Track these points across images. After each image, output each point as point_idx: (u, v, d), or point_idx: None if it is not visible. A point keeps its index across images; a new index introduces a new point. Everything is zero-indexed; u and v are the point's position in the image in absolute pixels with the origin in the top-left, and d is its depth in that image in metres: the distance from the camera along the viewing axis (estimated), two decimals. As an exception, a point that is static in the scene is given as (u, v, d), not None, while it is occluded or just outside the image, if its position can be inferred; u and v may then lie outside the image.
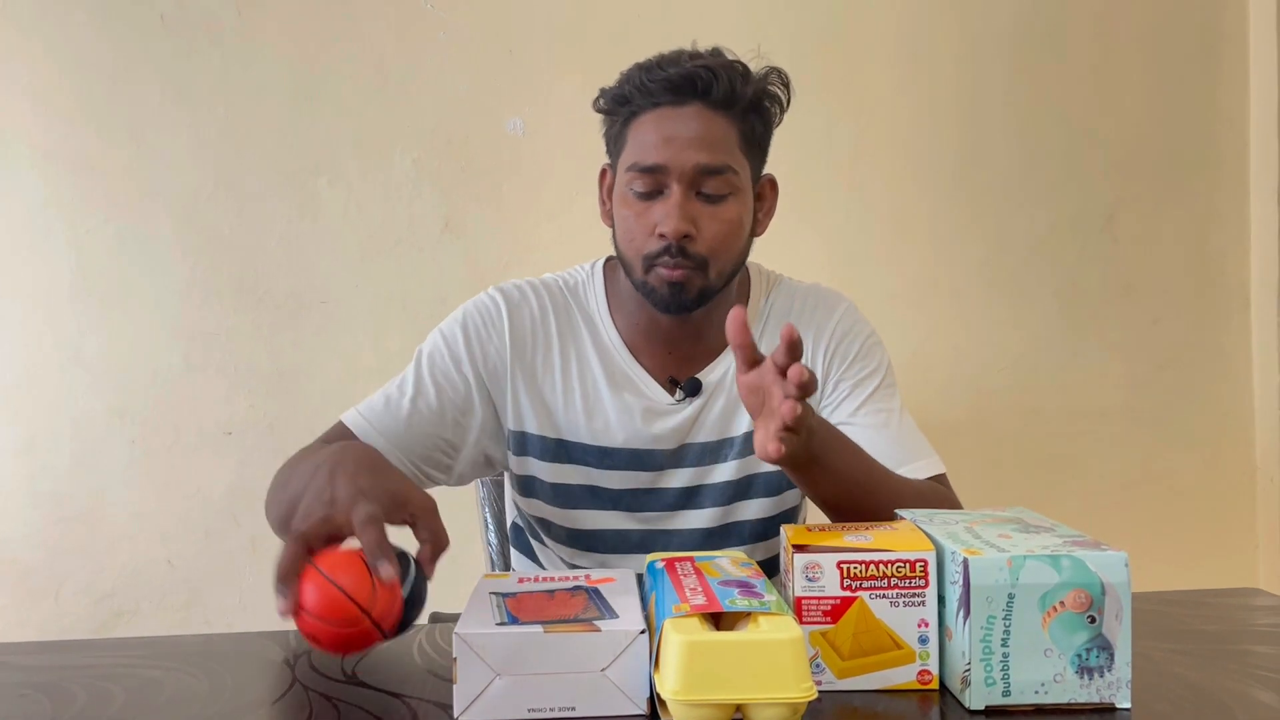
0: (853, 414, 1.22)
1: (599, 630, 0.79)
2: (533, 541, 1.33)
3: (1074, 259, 2.07)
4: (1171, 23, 2.07)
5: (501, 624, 0.80)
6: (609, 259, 1.29)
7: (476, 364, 1.21)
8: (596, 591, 0.89)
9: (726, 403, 1.23)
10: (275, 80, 1.95)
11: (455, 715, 0.78)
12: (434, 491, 1.32)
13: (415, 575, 0.83)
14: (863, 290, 1.99)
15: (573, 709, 0.79)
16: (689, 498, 1.23)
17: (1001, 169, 2.06)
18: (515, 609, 0.84)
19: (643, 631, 0.79)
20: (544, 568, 1.32)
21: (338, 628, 0.78)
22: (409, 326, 1.95)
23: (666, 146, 1.12)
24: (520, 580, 0.93)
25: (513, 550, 1.41)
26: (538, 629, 0.79)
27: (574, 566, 1.27)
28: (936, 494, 1.15)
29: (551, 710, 0.78)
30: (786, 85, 1.21)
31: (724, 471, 1.22)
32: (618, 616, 0.82)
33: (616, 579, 0.93)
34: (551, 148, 1.97)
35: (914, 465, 1.18)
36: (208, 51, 1.94)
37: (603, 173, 1.24)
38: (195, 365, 1.95)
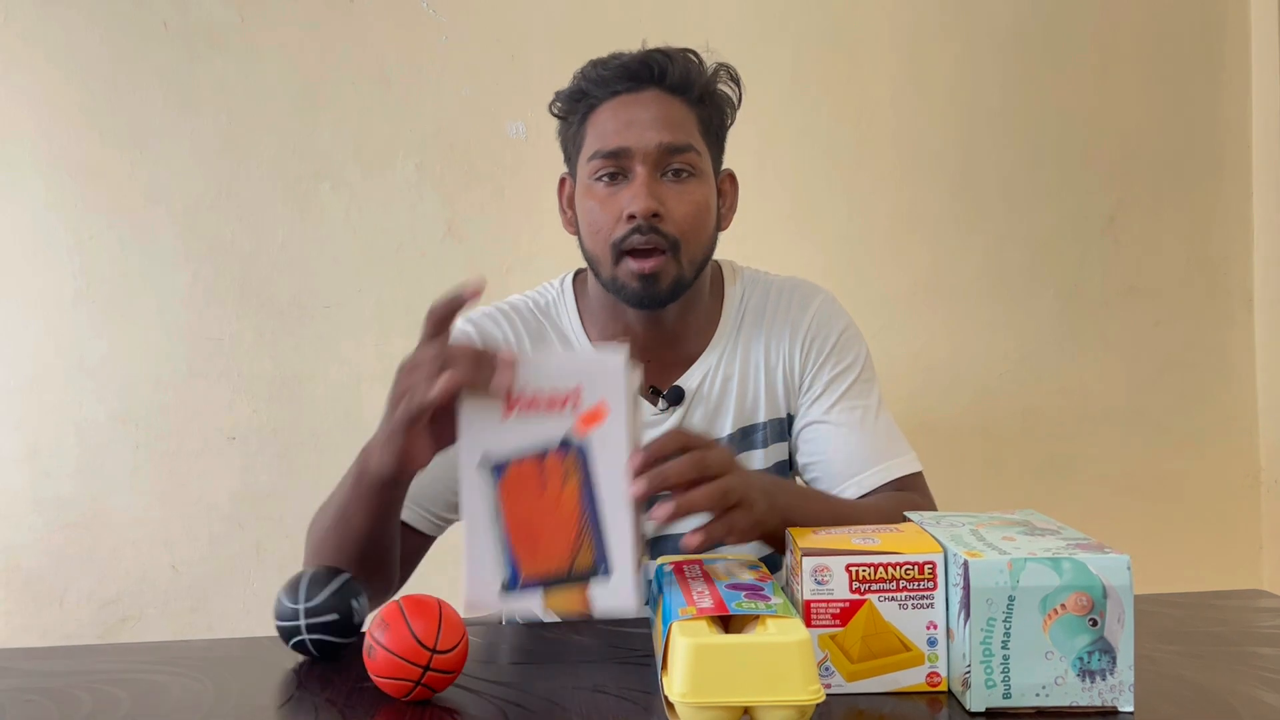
0: (826, 411, 1.21)
1: (592, 610, 0.85)
2: None
3: (1075, 261, 2.07)
4: (1173, 23, 2.07)
5: (505, 585, 0.85)
6: (578, 273, 1.29)
7: None
8: (586, 459, 0.85)
9: (708, 407, 1.22)
10: (277, 86, 1.95)
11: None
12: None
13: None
14: (864, 292, 2.00)
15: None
16: None
17: (1002, 170, 2.06)
18: (512, 525, 0.85)
19: (634, 613, 0.85)
20: None
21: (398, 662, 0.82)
22: (412, 331, 1.91)
23: (629, 129, 1.13)
24: (509, 406, 0.85)
25: None
26: (538, 602, 0.85)
27: None
28: (905, 504, 1.13)
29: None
30: (737, 81, 1.21)
31: None
32: (609, 572, 0.85)
33: (608, 411, 0.85)
34: (553, 152, 1.95)
35: (886, 465, 1.18)
36: (210, 57, 1.94)
37: (561, 182, 1.25)
38: (198, 371, 1.95)
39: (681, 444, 0.89)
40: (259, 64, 1.95)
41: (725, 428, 1.22)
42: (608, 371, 0.86)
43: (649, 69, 1.15)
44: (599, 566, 0.85)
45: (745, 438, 1.22)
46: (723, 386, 1.22)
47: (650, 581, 0.96)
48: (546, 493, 0.85)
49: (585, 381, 0.85)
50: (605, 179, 1.14)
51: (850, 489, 1.18)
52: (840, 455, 1.19)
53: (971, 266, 2.06)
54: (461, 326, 1.24)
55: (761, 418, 1.23)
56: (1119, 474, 2.09)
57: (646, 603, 0.90)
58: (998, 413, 2.07)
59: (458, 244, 1.98)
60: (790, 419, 1.25)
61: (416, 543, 1.20)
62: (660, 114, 1.14)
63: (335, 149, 1.96)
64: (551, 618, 1.01)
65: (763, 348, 1.24)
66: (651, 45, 1.20)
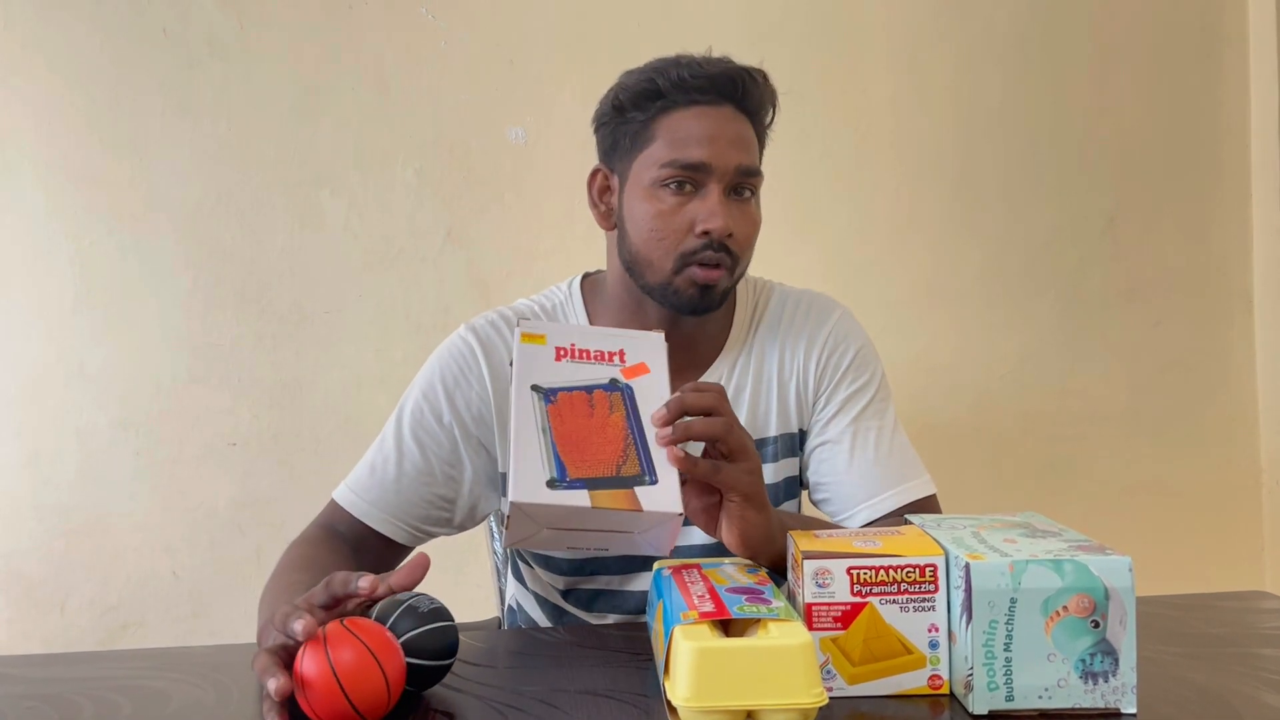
0: (841, 432, 1.20)
1: (641, 511, 0.85)
2: (523, 567, 1.30)
3: (1075, 263, 2.08)
4: (1171, 25, 2.08)
5: (552, 482, 0.85)
6: (585, 276, 1.27)
7: (460, 414, 1.17)
8: (631, 397, 0.92)
9: None
10: (277, 92, 1.95)
11: (505, 544, 0.87)
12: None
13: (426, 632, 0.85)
14: (863, 296, 2.00)
15: (605, 550, 0.90)
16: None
17: (1002, 173, 2.06)
18: (560, 437, 0.88)
19: (680, 514, 0.86)
20: (531, 592, 1.31)
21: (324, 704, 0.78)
22: (412, 336, 1.96)
23: (711, 145, 1.12)
24: (558, 355, 0.94)
25: (510, 576, 1.40)
26: (585, 498, 0.85)
27: (568, 594, 1.24)
28: None
29: (587, 551, 0.91)
30: (775, 106, 1.21)
31: None
32: (656, 481, 0.87)
33: (650, 369, 0.95)
34: (553, 157, 1.98)
35: (902, 488, 1.17)
36: (210, 64, 1.94)
37: (594, 174, 1.21)
38: (199, 377, 1.95)
39: (710, 405, 0.93)
40: (259, 70, 1.95)
41: None
42: (649, 343, 0.97)
43: (734, 86, 1.14)
44: (645, 476, 0.87)
45: None
46: (734, 396, 1.20)
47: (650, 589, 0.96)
48: (594, 416, 0.90)
49: (628, 347, 0.95)
50: (673, 187, 1.13)
51: (864, 513, 1.17)
52: (854, 478, 1.18)
53: (972, 269, 2.06)
54: (462, 334, 1.21)
55: (772, 431, 1.21)
56: (1120, 476, 2.09)
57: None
58: (999, 415, 2.07)
59: (458, 249, 1.98)
60: (802, 435, 1.23)
61: (394, 553, 1.18)
62: (738, 134, 1.14)
63: (335, 154, 1.96)
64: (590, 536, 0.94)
65: (776, 360, 1.22)
66: (652, 53, 1.18)
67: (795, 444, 1.23)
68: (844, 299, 1.31)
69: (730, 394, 1.19)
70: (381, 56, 1.96)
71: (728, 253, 1.12)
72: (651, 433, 0.90)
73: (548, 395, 0.90)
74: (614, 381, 0.92)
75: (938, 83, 2.05)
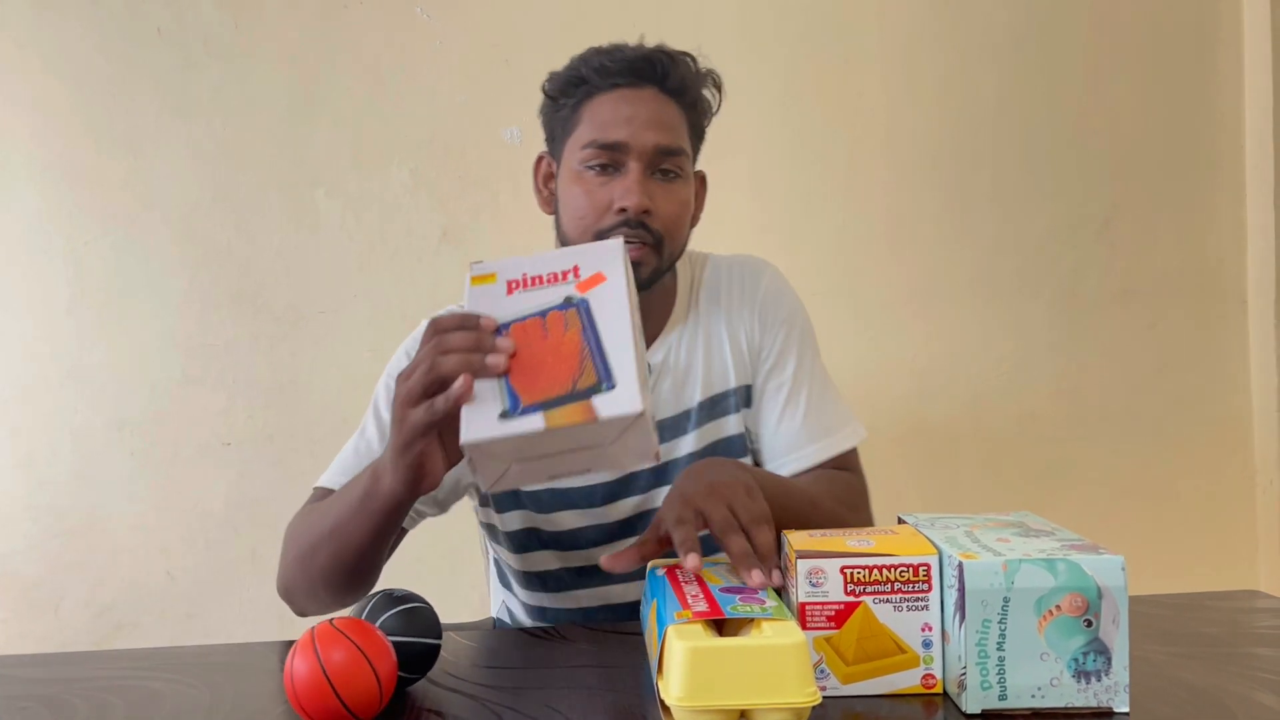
0: (776, 386, 1.23)
1: (597, 419, 0.79)
2: (510, 579, 1.32)
3: (1071, 263, 2.08)
4: (1167, 27, 2.08)
5: (504, 414, 0.80)
6: None
7: None
8: (588, 310, 0.86)
9: (675, 378, 1.22)
10: (272, 91, 1.95)
11: (484, 488, 0.84)
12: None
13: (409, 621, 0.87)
14: (859, 297, 2.01)
15: (588, 469, 0.85)
16: (660, 475, 1.21)
17: (997, 174, 2.06)
18: (513, 366, 0.83)
19: (641, 412, 0.79)
20: (519, 599, 1.31)
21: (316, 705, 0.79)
22: (408, 336, 1.95)
23: (628, 125, 1.14)
24: (510, 288, 0.89)
25: (498, 584, 1.41)
26: (538, 421, 0.80)
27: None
28: (836, 486, 1.18)
29: (570, 476, 0.89)
30: (719, 88, 1.23)
31: (686, 444, 1.21)
32: (614, 386, 0.81)
33: (606, 277, 0.89)
34: (548, 157, 1.97)
35: (829, 440, 1.20)
36: (205, 64, 1.94)
37: (539, 160, 1.26)
38: (194, 377, 1.95)
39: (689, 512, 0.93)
40: (254, 70, 1.95)
41: (694, 398, 1.22)
42: (604, 250, 0.91)
43: (653, 68, 1.17)
44: (602, 384, 0.82)
45: (716, 405, 1.23)
46: (688, 359, 1.23)
47: (643, 591, 0.96)
48: (549, 339, 0.85)
49: (582, 261, 0.90)
50: (596, 169, 1.16)
51: (789, 465, 1.20)
52: (782, 431, 1.21)
53: (966, 270, 2.06)
54: (425, 322, 1.23)
55: (732, 383, 1.24)
56: (1115, 476, 2.09)
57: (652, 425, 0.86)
58: (994, 416, 2.08)
59: (453, 249, 1.98)
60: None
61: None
62: (657, 114, 1.16)
63: (330, 154, 1.96)
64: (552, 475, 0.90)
65: (723, 320, 1.25)
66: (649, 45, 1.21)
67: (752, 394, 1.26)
68: (838, 300, 1.32)
69: (682, 362, 1.23)
70: (377, 56, 1.96)
71: (648, 230, 1.14)
72: (611, 338, 0.84)
73: (498, 331, 0.85)
74: (568, 300, 0.87)
75: (932, 85, 2.05)
